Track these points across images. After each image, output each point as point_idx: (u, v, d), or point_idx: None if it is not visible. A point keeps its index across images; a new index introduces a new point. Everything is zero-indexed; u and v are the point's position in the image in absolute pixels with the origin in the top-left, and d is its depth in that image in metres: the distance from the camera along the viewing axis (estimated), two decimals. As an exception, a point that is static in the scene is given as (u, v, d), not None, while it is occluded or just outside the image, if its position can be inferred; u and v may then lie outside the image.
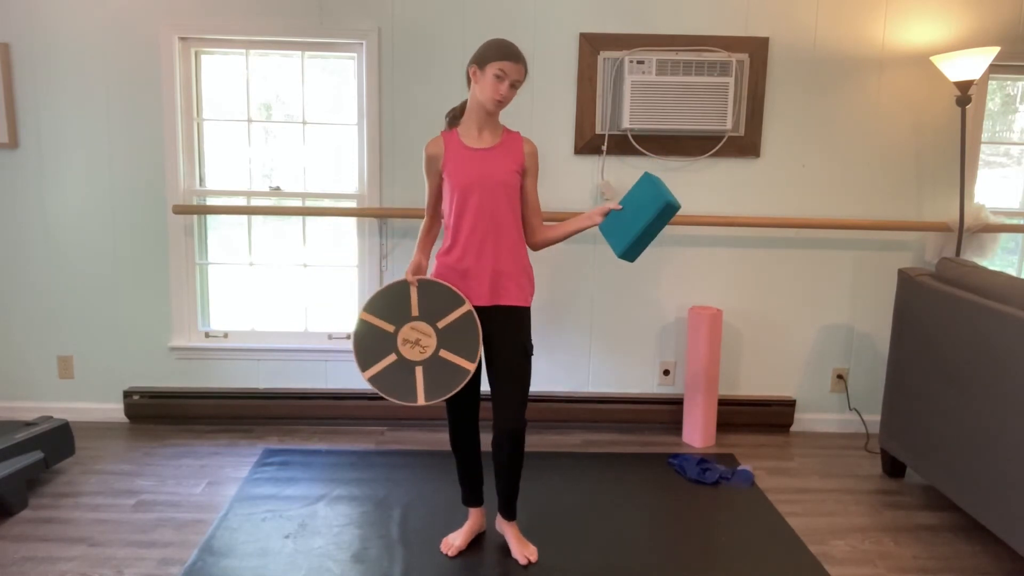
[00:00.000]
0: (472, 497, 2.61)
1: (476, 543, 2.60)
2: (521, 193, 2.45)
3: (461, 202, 2.36)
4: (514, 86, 2.31)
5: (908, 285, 3.06)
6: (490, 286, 2.39)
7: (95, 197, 3.49)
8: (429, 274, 2.46)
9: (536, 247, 2.52)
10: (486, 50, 2.30)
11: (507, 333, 2.41)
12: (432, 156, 2.41)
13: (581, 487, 3.03)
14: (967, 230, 3.48)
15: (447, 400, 2.47)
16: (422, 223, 2.53)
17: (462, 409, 2.49)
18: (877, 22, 3.46)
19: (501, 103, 2.31)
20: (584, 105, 3.45)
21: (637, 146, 3.47)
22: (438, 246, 2.52)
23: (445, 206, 2.44)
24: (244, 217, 3.63)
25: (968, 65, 3.19)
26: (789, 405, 3.71)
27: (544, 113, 3.49)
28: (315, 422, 3.67)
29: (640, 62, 3.34)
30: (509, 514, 2.55)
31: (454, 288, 2.38)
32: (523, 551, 2.52)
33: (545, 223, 2.54)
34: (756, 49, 3.43)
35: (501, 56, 2.27)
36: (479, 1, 3.40)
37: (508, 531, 2.57)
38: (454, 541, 2.56)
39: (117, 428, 3.57)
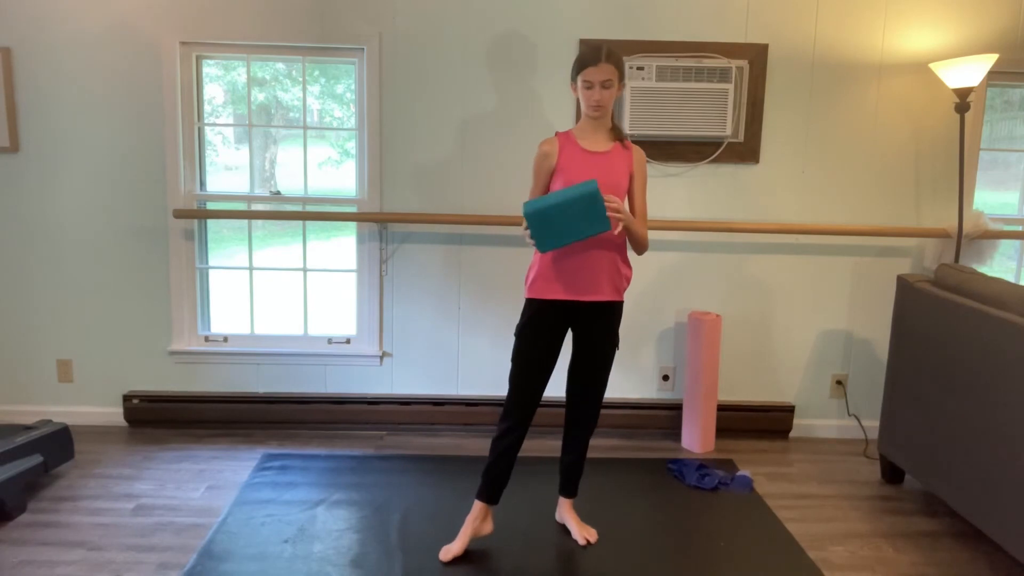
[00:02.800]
0: (494, 494, 2.59)
1: (477, 550, 2.60)
2: (630, 198, 2.54)
3: None
4: (606, 86, 2.38)
5: (907, 291, 3.06)
6: (590, 282, 2.46)
7: (96, 201, 3.49)
8: (532, 271, 2.50)
9: (637, 251, 2.57)
10: (573, 65, 2.42)
11: (601, 327, 2.52)
12: (546, 153, 2.47)
13: (581, 492, 3.03)
14: (966, 236, 3.49)
15: (519, 391, 2.51)
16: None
17: (530, 405, 2.53)
18: (876, 29, 3.47)
19: (599, 107, 2.40)
20: (584, 111, 3.46)
21: (637, 152, 3.48)
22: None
23: None
24: (244, 221, 3.64)
25: (967, 72, 3.20)
26: (788, 411, 3.71)
27: (544, 118, 3.50)
28: (314, 426, 3.67)
29: (640, 68, 3.35)
30: (574, 491, 2.75)
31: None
32: (584, 533, 2.68)
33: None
34: (756, 56, 3.44)
35: (580, 67, 2.38)
36: (480, 7, 3.41)
37: (570, 515, 2.74)
38: (454, 546, 2.55)
39: (116, 432, 3.57)
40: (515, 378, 2.52)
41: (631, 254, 3.51)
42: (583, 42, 2.41)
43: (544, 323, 2.49)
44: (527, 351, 2.50)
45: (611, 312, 2.53)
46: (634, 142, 3.45)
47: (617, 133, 2.52)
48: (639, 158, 2.53)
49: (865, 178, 3.59)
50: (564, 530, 2.73)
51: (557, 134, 2.51)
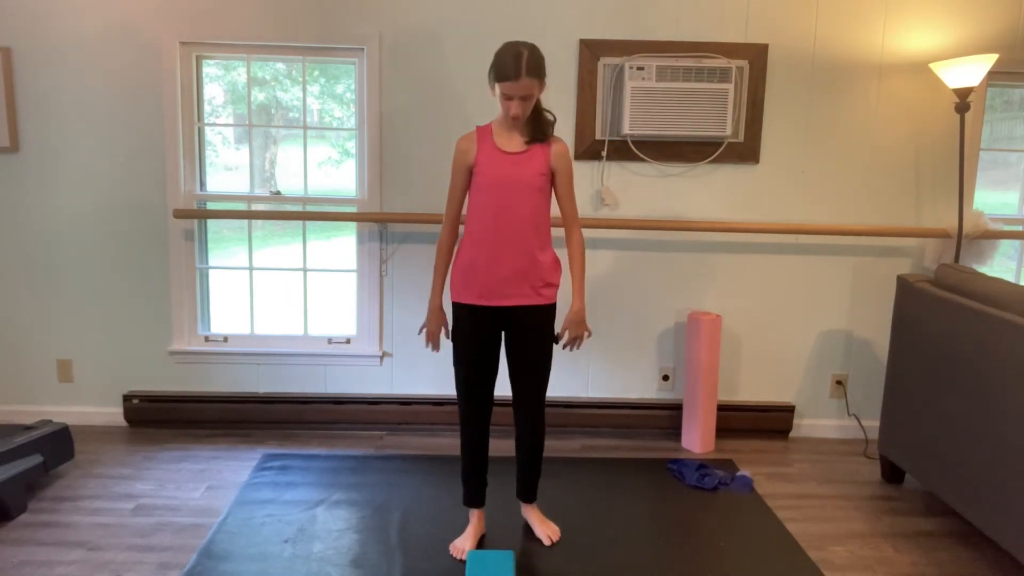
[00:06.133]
0: (476, 497, 2.64)
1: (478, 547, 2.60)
2: (558, 200, 2.48)
3: (484, 201, 2.40)
4: (525, 98, 2.30)
5: (907, 291, 3.06)
6: (504, 286, 2.41)
7: (96, 201, 3.49)
8: (452, 273, 2.48)
9: (568, 250, 2.53)
10: (491, 68, 2.32)
11: (522, 331, 2.47)
12: (464, 150, 2.43)
13: (580, 492, 3.03)
14: (966, 236, 3.49)
15: (463, 397, 2.53)
16: (440, 238, 2.53)
17: (478, 407, 2.53)
18: (876, 29, 3.47)
19: (517, 119, 2.34)
20: (584, 111, 3.46)
21: (637, 152, 3.48)
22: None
23: (468, 206, 2.47)
24: (244, 221, 3.64)
25: (967, 72, 3.20)
26: (788, 411, 3.71)
27: (544, 119, 3.49)
28: (314, 426, 3.67)
29: (640, 68, 3.35)
30: (531, 497, 2.68)
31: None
32: (546, 530, 2.63)
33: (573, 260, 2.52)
34: (756, 55, 3.44)
35: (499, 77, 2.29)
36: (480, 7, 3.41)
37: (531, 514, 2.69)
38: (463, 546, 2.56)
39: (116, 432, 3.57)
40: (459, 384, 2.52)
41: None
42: (507, 45, 2.31)
43: (472, 325, 2.47)
44: (463, 356, 2.49)
45: (533, 315, 2.46)
46: (634, 143, 3.48)
47: (538, 130, 2.41)
48: (558, 152, 2.43)
49: (865, 178, 3.59)
50: (566, 529, 2.71)
51: (477, 129, 2.46)
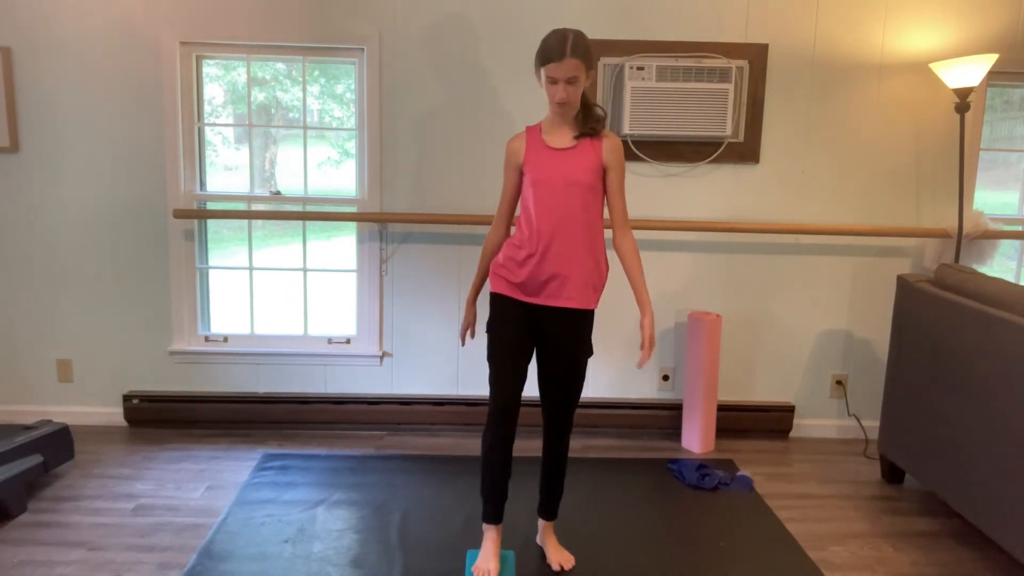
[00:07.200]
0: (497, 514, 2.46)
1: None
2: (608, 197, 2.35)
3: (531, 200, 2.31)
4: (571, 82, 2.19)
5: (907, 291, 3.06)
6: (548, 285, 2.32)
7: (96, 201, 3.49)
8: (497, 264, 2.44)
9: (618, 254, 2.39)
10: (537, 54, 2.23)
11: (560, 335, 2.37)
12: (514, 150, 2.36)
13: (580, 492, 3.03)
14: (966, 236, 3.49)
15: (498, 399, 2.37)
16: (487, 237, 2.50)
17: (511, 408, 2.36)
18: (876, 29, 3.47)
19: (563, 105, 2.25)
20: (584, 111, 3.45)
21: (637, 152, 3.49)
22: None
23: (521, 202, 2.41)
24: (244, 221, 3.64)
25: (967, 72, 3.20)
26: (788, 411, 3.71)
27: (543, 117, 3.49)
28: (314, 426, 3.67)
29: (640, 68, 3.35)
30: (550, 515, 2.59)
31: None
32: (558, 558, 2.51)
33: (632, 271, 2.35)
34: (756, 55, 3.44)
35: (542, 60, 2.20)
36: (480, 7, 3.41)
37: (548, 539, 2.57)
38: (488, 567, 2.40)
39: (116, 432, 3.57)
40: (493, 381, 2.37)
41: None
42: (553, 31, 2.23)
43: (509, 317, 2.37)
44: (498, 349, 2.36)
45: (575, 320, 2.36)
46: (635, 143, 3.47)
47: (587, 124, 2.30)
48: (611, 147, 2.30)
49: (865, 178, 3.59)
50: (566, 529, 2.71)
51: (527, 128, 2.40)
